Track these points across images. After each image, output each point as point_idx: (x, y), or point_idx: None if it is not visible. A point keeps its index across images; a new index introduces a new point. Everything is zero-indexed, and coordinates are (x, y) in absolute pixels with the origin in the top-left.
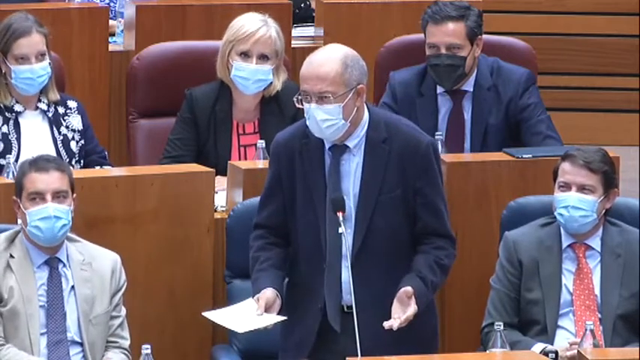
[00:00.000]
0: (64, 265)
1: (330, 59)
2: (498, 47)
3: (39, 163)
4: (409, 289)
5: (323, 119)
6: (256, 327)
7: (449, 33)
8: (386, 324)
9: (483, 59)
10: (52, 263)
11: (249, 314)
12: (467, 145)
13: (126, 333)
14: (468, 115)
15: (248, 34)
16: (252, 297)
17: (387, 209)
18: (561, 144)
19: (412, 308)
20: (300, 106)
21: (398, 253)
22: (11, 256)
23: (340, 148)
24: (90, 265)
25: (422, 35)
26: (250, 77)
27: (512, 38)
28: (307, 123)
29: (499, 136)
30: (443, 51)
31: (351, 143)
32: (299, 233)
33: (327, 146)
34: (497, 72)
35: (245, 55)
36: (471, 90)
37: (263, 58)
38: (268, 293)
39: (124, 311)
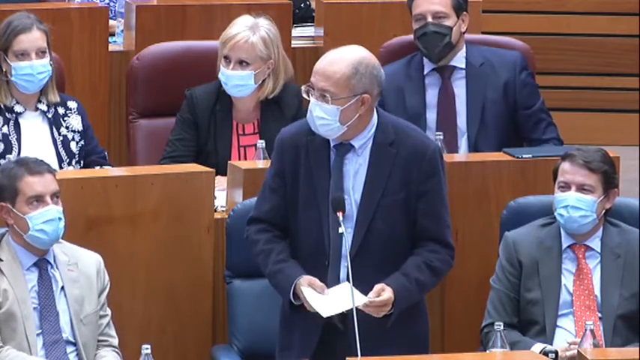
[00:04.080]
0: (52, 267)
1: (342, 60)
2: (497, 47)
3: (31, 166)
4: (381, 285)
5: (319, 116)
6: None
7: (434, 1)
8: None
9: (471, 46)
10: (41, 265)
11: (328, 296)
12: (460, 120)
13: (113, 332)
14: (461, 91)
15: (228, 39)
16: (276, 289)
17: (389, 211)
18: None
19: (385, 296)
20: (307, 98)
21: (396, 255)
22: (0, 259)
23: (345, 147)
24: (76, 265)
25: None
26: (228, 82)
27: (511, 38)
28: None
29: (497, 109)
30: (429, 19)
31: (356, 143)
32: (300, 230)
33: (332, 144)
34: (488, 52)
35: (226, 59)
36: (463, 67)
37: (241, 63)
38: (311, 277)
39: (109, 311)
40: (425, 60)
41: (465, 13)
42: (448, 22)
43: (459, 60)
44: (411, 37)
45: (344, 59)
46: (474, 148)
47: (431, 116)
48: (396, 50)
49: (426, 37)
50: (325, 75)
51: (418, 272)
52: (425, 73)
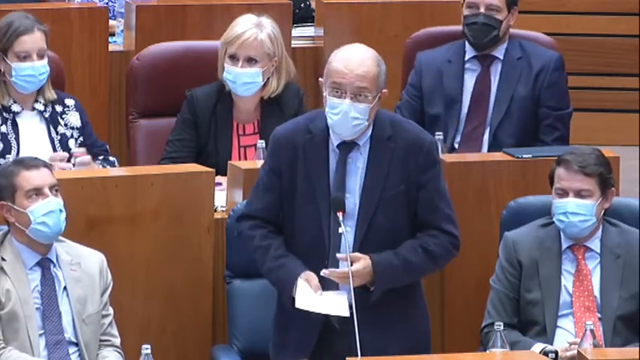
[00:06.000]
0: (55, 266)
1: (368, 59)
2: (525, 39)
3: (27, 162)
4: (357, 254)
5: (354, 117)
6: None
7: None
8: (324, 271)
9: (512, 38)
10: (44, 264)
11: (318, 296)
12: (490, 111)
13: (115, 331)
14: (495, 81)
15: (235, 37)
16: (276, 285)
17: (390, 206)
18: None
19: (356, 265)
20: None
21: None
22: (2, 259)
23: (349, 146)
24: (79, 265)
25: (447, 27)
26: (237, 80)
27: (550, 37)
28: (333, 118)
29: (524, 104)
30: (482, 10)
31: (360, 141)
32: (298, 229)
33: (335, 143)
34: (527, 47)
35: (233, 57)
36: (501, 57)
37: (250, 61)
38: (312, 274)
39: (111, 310)
40: (467, 46)
41: (515, 7)
42: (499, 16)
43: (500, 51)
44: (436, 29)
45: (368, 57)
46: (493, 138)
47: (465, 102)
48: (421, 42)
49: (475, 27)
50: (359, 75)
51: (411, 253)
52: (465, 59)
